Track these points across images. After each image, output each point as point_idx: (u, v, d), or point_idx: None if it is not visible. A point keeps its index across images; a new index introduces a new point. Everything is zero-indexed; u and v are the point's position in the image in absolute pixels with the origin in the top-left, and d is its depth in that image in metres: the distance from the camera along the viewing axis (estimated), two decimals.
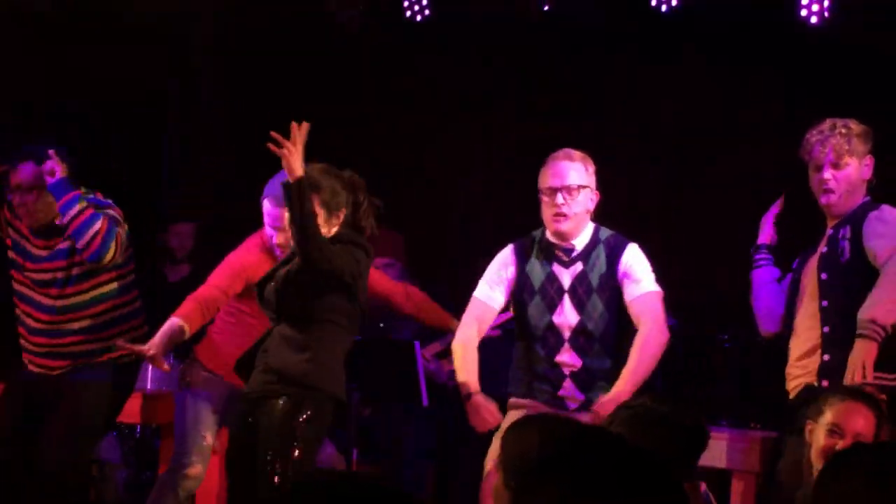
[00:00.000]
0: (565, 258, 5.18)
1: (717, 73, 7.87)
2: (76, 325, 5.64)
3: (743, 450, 5.63)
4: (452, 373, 7.09)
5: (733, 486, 5.71)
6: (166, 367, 5.56)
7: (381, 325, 7.19)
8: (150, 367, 6.67)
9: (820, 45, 7.36)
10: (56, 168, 5.45)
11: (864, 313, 4.59)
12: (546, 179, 5.17)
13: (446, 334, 7.05)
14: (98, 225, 5.46)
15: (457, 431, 7.21)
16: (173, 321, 5.47)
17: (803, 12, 7.30)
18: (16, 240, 5.69)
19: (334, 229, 4.99)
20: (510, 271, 5.25)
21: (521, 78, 8.53)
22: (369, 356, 6.21)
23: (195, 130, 8.83)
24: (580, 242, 5.18)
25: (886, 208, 4.82)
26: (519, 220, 8.47)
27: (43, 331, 5.64)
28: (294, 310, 4.97)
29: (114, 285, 5.68)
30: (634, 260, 5.15)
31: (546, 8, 8.08)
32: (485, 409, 5.02)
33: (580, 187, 5.12)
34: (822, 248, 4.92)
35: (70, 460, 5.61)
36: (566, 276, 5.16)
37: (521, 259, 5.25)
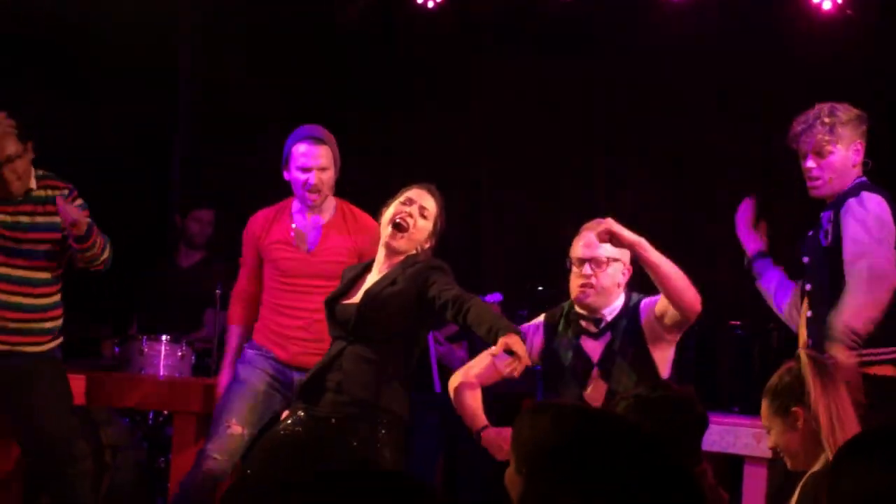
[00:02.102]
0: (594, 329, 5.04)
1: (725, 60, 7.86)
2: (46, 301, 5.68)
3: (755, 436, 5.63)
4: (463, 360, 7.10)
5: (746, 472, 5.72)
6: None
7: None
8: (163, 354, 6.70)
9: (832, 31, 7.34)
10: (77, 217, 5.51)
11: (838, 319, 4.64)
12: (576, 249, 5.06)
13: None
14: (108, 247, 5.65)
15: (465, 424, 7.22)
16: (236, 330, 5.86)
17: None
18: None
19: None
20: (536, 343, 5.10)
21: (534, 66, 8.51)
22: None
23: (209, 112, 8.83)
24: (610, 312, 5.05)
25: (866, 196, 4.80)
26: (526, 213, 8.55)
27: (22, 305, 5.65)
28: (383, 332, 4.91)
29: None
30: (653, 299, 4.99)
31: None
32: (498, 438, 4.78)
33: (610, 260, 4.99)
34: (810, 231, 4.96)
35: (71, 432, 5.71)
36: (595, 349, 5.01)
37: (550, 333, 5.11)
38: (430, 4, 8.41)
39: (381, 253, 5.02)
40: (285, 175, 5.70)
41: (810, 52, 7.48)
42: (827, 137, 4.83)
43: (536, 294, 7.49)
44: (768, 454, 5.55)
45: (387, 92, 8.85)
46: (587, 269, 4.98)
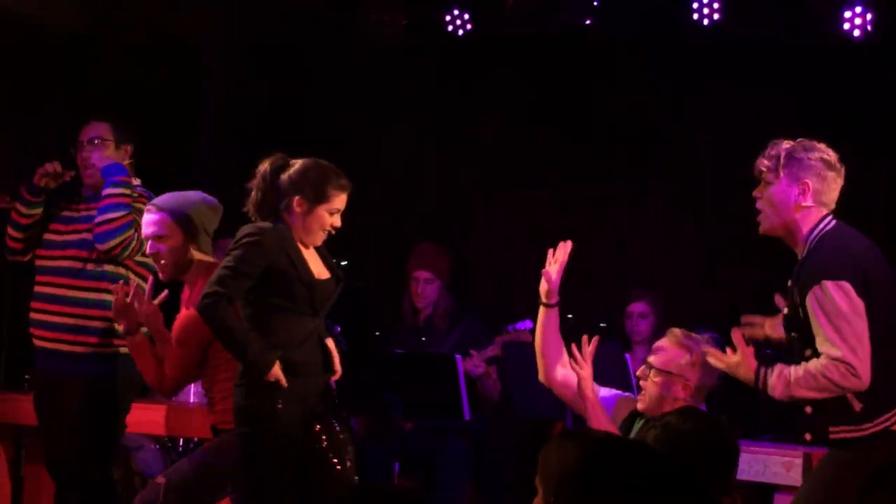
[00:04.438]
0: None
1: (756, 88, 7.87)
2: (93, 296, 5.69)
3: (785, 465, 5.60)
4: (496, 381, 7.10)
5: (776, 501, 5.69)
6: None
7: (423, 339, 7.20)
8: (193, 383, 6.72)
9: (863, 59, 7.34)
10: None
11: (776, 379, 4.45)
12: None
13: (488, 346, 7.07)
14: (119, 213, 5.51)
15: (494, 445, 7.21)
16: None
17: (846, 26, 7.28)
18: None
19: None
20: (619, 414, 4.97)
21: (561, 92, 8.53)
22: (410, 370, 6.22)
23: (231, 142, 8.88)
24: None
25: (829, 288, 4.36)
26: (555, 237, 8.55)
27: None
28: None
29: None
30: None
31: (588, 22, 8.09)
32: None
33: (661, 371, 4.73)
34: (784, 308, 4.67)
35: None
36: None
37: (631, 418, 4.90)
38: (460, 32, 8.45)
39: (301, 240, 5.02)
40: None
41: (840, 80, 7.47)
42: (767, 164, 4.59)
43: (566, 322, 7.48)
44: (799, 483, 5.53)
45: (418, 113, 8.89)
46: (641, 370, 4.81)
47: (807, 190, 4.53)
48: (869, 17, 7.22)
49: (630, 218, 8.36)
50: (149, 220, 5.26)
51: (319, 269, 5.03)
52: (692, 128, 8.14)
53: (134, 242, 5.54)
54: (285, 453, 4.85)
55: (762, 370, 4.49)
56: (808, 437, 4.59)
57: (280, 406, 4.82)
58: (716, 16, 7.64)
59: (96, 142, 5.71)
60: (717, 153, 8.03)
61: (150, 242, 5.27)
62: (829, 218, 4.56)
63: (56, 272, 5.61)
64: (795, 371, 4.42)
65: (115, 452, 5.85)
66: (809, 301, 4.41)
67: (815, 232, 4.53)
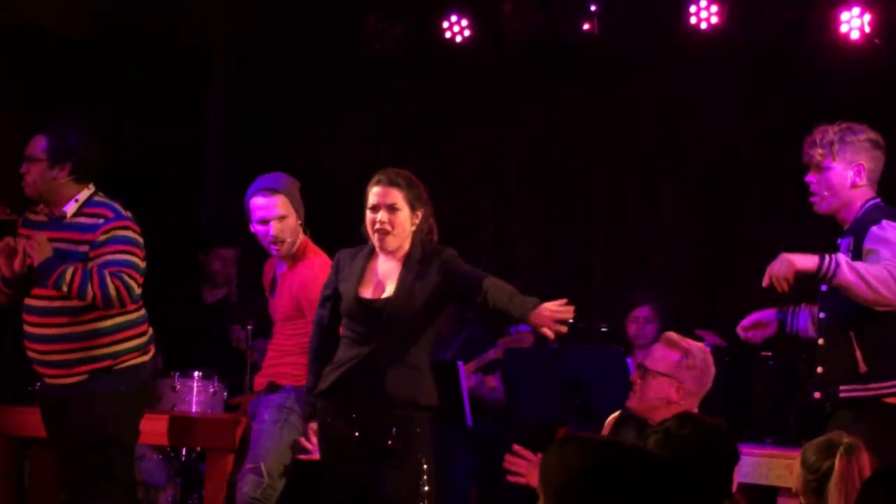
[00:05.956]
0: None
1: (756, 91, 7.87)
2: (71, 330, 5.43)
3: (788, 468, 5.60)
4: (493, 389, 7.10)
5: None
6: None
7: None
8: (195, 390, 6.73)
9: (861, 61, 7.34)
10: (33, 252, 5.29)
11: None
12: None
13: (489, 350, 7.07)
14: (88, 293, 5.24)
15: (500, 451, 7.22)
16: None
17: (843, 28, 7.29)
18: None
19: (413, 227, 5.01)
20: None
21: (560, 96, 8.55)
22: None
23: (235, 153, 8.89)
24: None
25: (887, 225, 4.70)
26: (555, 234, 8.58)
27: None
28: (412, 327, 4.95)
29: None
30: None
31: (586, 27, 8.11)
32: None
33: (654, 372, 4.71)
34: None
35: None
36: None
37: (618, 425, 4.89)
38: (458, 39, 8.46)
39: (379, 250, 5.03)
40: (251, 228, 5.66)
41: (838, 82, 7.47)
42: (822, 151, 4.84)
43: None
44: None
45: (422, 116, 8.90)
46: (635, 373, 4.83)
47: (862, 170, 4.86)
48: (867, 18, 7.23)
49: (635, 221, 8.36)
50: (270, 203, 5.55)
51: (383, 287, 4.95)
52: (700, 131, 8.15)
53: (131, 281, 5.33)
54: None
55: (828, 256, 4.62)
56: (817, 395, 4.85)
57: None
58: (714, 19, 7.66)
59: (30, 158, 5.42)
60: (724, 158, 8.04)
61: (272, 223, 5.54)
62: (877, 198, 4.88)
63: (47, 312, 5.42)
64: (863, 265, 4.61)
65: (131, 464, 5.79)
66: (869, 232, 4.69)
67: (868, 203, 4.84)
